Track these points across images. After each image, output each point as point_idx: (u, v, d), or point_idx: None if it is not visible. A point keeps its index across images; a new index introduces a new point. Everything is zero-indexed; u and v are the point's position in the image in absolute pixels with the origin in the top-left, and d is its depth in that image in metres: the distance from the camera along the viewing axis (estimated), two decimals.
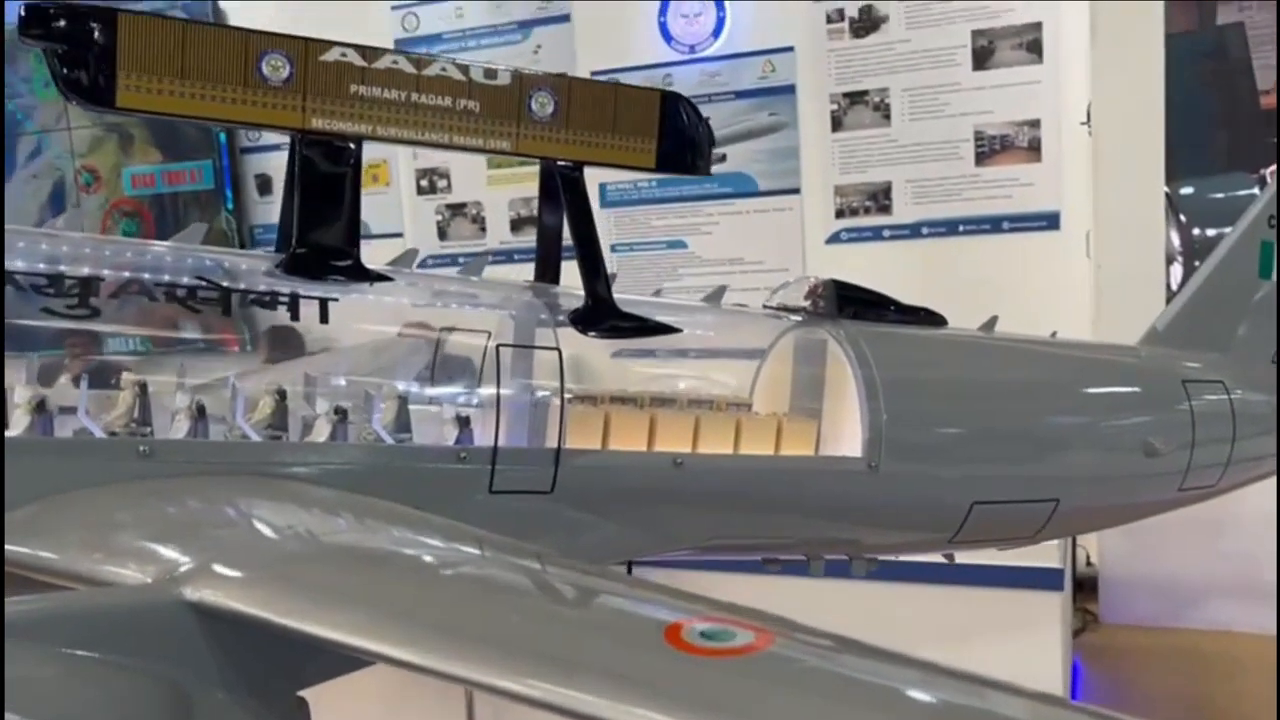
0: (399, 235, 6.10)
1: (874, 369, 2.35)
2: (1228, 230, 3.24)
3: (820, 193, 5.63)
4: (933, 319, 2.62)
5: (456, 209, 6.22)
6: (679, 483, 2.20)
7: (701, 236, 5.89)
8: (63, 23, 1.87)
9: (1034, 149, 5.30)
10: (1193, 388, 2.77)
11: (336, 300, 2.03)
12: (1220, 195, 4.83)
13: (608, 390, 2.38)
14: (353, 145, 2.06)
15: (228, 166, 6.37)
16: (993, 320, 2.77)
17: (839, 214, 5.63)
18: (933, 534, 2.50)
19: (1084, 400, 2.67)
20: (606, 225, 5.71)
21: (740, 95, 5.67)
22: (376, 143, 2.09)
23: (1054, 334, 2.98)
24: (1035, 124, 5.28)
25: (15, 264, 1.89)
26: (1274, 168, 4.69)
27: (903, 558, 2.84)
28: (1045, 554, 3.69)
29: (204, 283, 1.96)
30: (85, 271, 1.90)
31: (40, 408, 1.84)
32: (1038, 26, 5.22)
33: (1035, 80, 5.24)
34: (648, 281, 5.61)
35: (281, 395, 2.04)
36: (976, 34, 5.31)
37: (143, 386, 1.95)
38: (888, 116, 5.51)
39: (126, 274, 1.94)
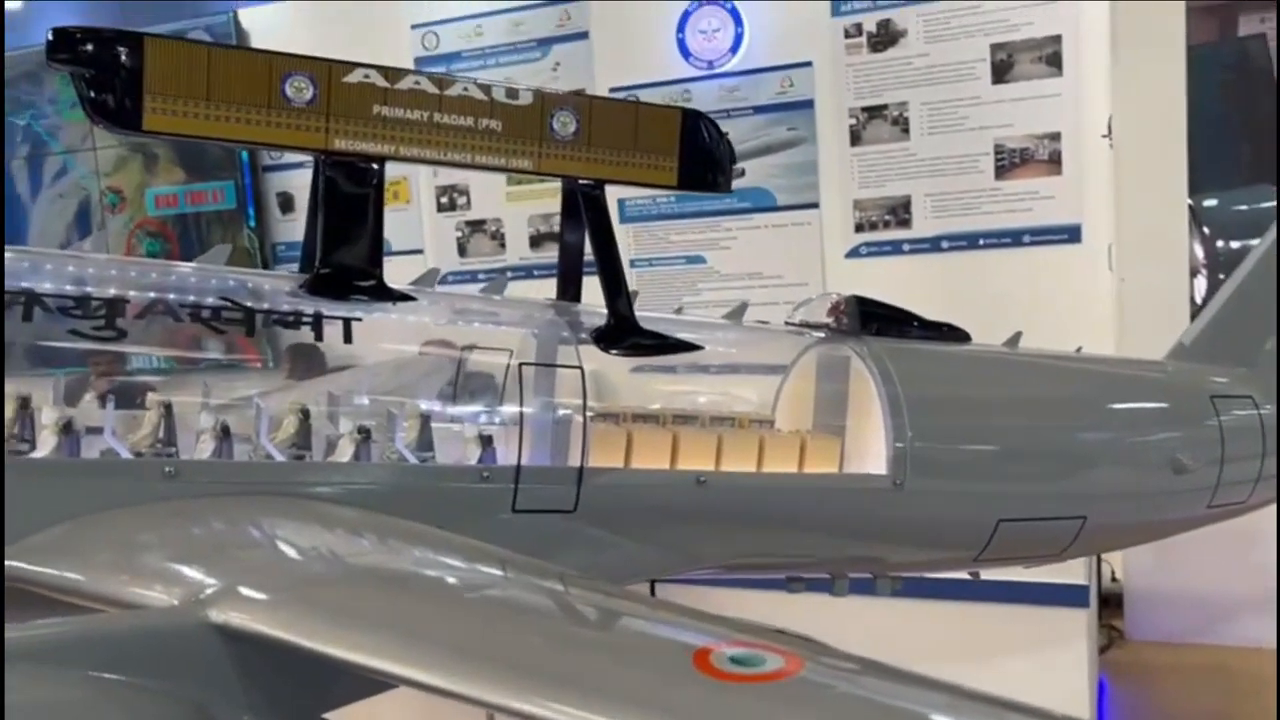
0: (419, 252, 6.13)
1: (898, 386, 2.34)
2: (1253, 242, 3.21)
3: (839, 207, 5.62)
4: (956, 335, 2.60)
5: (476, 226, 6.25)
6: (702, 501, 2.19)
7: (720, 251, 5.88)
8: (89, 47, 1.89)
9: (1054, 162, 5.27)
10: (1221, 403, 2.73)
11: (360, 320, 2.03)
12: (1244, 207, 4.79)
13: (629, 408, 2.37)
14: (375, 165, 2.07)
15: (250, 185, 6.42)
16: (1017, 336, 2.75)
17: (858, 228, 5.62)
18: (959, 552, 2.48)
19: (1111, 416, 2.65)
20: (625, 240, 5.72)
21: (759, 110, 5.67)
22: (399, 163, 2.10)
23: (1079, 349, 2.96)
24: (1055, 137, 5.25)
25: (43, 286, 1.91)
26: None
27: (927, 575, 2.81)
28: (1071, 570, 3.65)
29: (228, 303, 1.97)
30: (111, 293, 1.91)
31: (67, 428, 1.85)
32: (1057, 39, 5.20)
33: (1055, 93, 5.22)
34: (666, 296, 5.61)
35: (305, 415, 2.05)
36: (995, 47, 5.29)
37: (167, 407, 1.96)
38: (907, 130, 5.49)
39: (152, 295, 1.95)
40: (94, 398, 1.98)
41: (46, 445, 1.84)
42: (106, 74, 1.88)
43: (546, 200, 6.07)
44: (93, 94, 1.89)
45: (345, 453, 2.02)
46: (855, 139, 5.56)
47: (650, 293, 5.66)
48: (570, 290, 2.45)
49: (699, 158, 2.29)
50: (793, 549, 2.34)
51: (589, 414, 2.17)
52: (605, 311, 2.30)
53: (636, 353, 2.27)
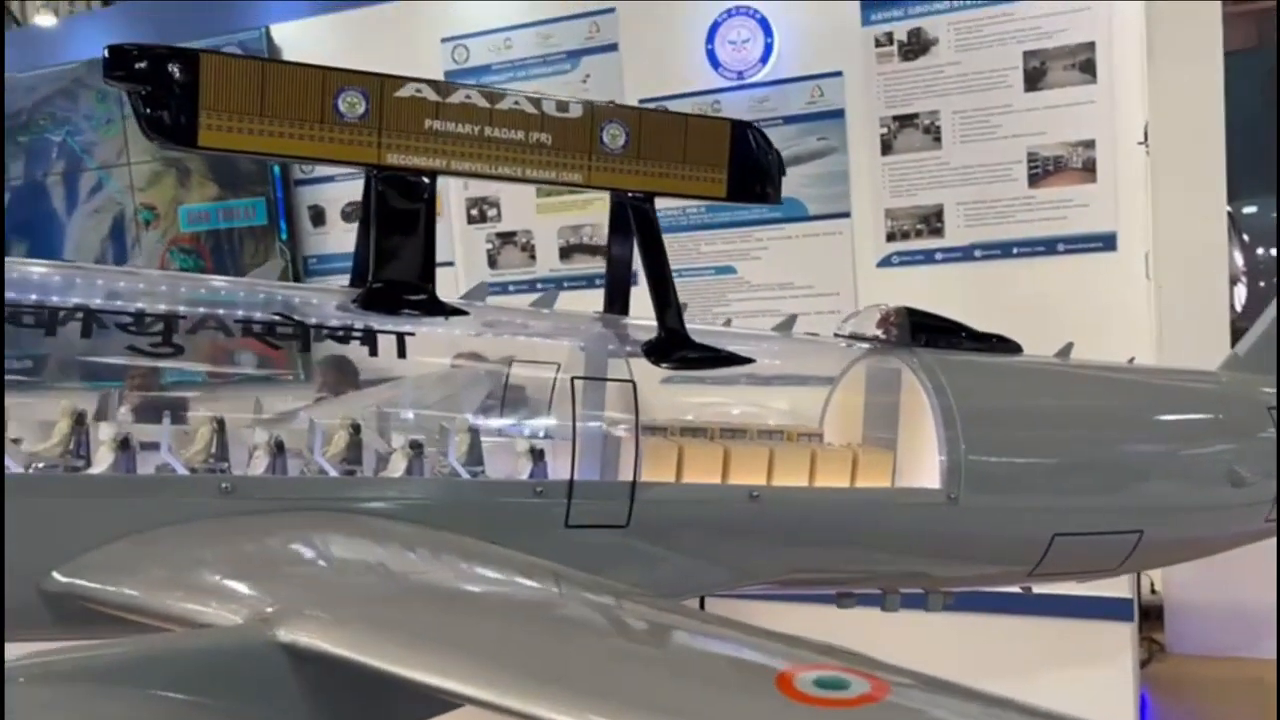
0: (450, 264, 6.14)
1: (950, 397, 2.31)
2: None
3: (871, 216, 5.59)
4: (1007, 346, 2.57)
5: (506, 237, 6.25)
6: (755, 516, 2.17)
7: (750, 262, 5.86)
8: (145, 64, 1.89)
9: (1089, 169, 5.22)
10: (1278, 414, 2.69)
11: (413, 335, 2.02)
12: None
13: (677, 421, 2.35)
14: (427, 180, 2.06)
15: (281, 198, 6.46)
16: (1068, 346, 2.72)
17: (890, 237, 5.58)
18: (1013, 567, 2.44)
19: (1166, 428, 2.61)
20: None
21: (789, 120, 5.65)
22: (450, 177, 2.09)
23: (1131, 359, 2.92)
24: (1090, 144, 5.20)
25: (94, 301, 1.91)
26: None
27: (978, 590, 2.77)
28: (1113, 583, 3.60)
29: (282, 318, 1.97)
30: (168, 309, 1.91)
31: (124, 444, 1.85)
32: (1090, 46, 5.15)
33: (1089, 100, 5.17)
34: (697, 307, 5.60)
35: (355, 430, 2.04)
36: (1028, 55, 5.26)
37: (220, 422, 1.95)
38: (938, 139, 5.46)
39: (207, 310, 1.95)
40: (149, 413, 1.98)
41: (103, 461, 1.83)
42: (162, 91, 1.88)
43: (576, 212, 6.08)
44: (148, 111, 1.89)
45: (398, 468, 2.01)
46: (886, 148, 5.53)
47: None
48: (618, 303, 2.43)
49: (748, 169, 2.27)
50: (845, 564, 2.31)
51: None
52: (653, 324, 2.29)
53: (687, 366, 2.25)
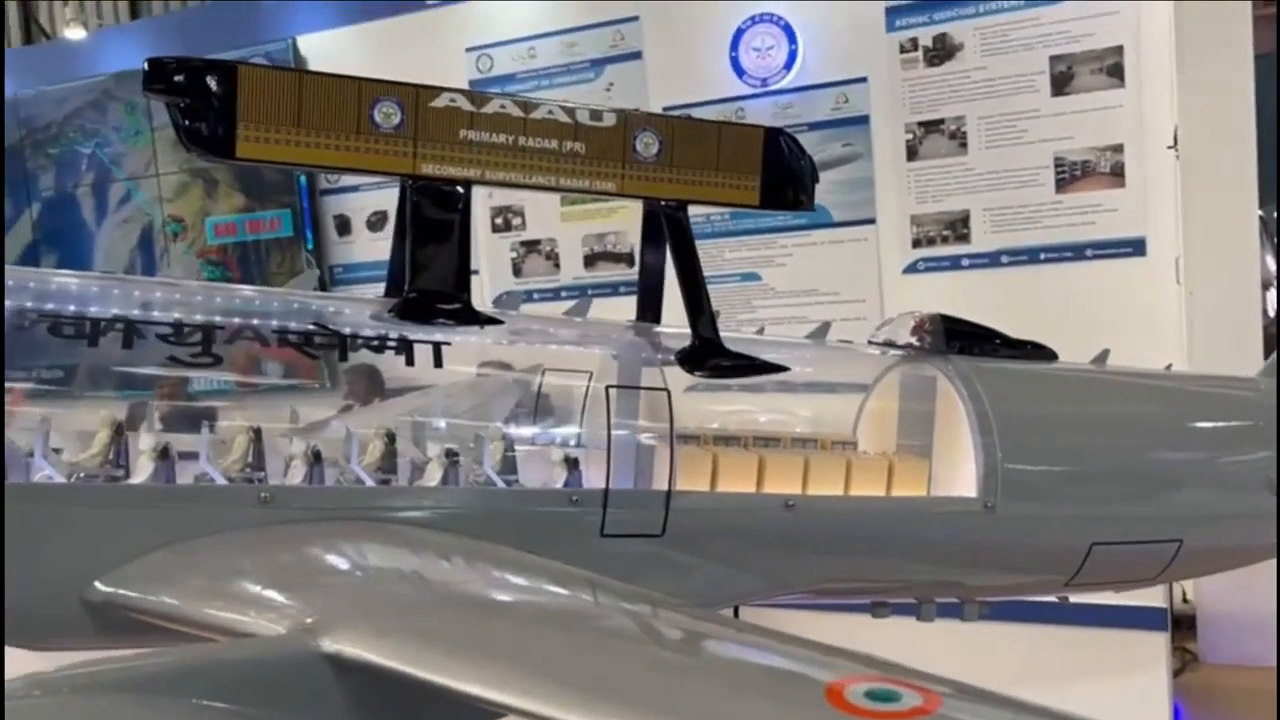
0: (475, 273, 6.12)
1: (986, 404, 2.29)
2: None
3: (896, 223, 5.56)
4: (1042, 353, 2.55)
5: (531, 246, 6.26)
6: (791, 525, 2.16)
7: (775, 269, 5.85)
8: (183, 76, 1.90)
9: (1117, 174, 5.18)
10: None
11: (449, 344, 2.03)
12: None
13: (710, 429, 2.35)
14: (462, 189, 2.06)
15: (307, 208, 6.50)
16: (1104, 353, 2.69)
17: (916, 243, 5.55)
18: (1050, 576, 2.42)
19: (1205, 436, 2.58)
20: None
21: (813, 127, 5.63)
22: (485, 187, 2.09)
23: (1169, 366, 2.89)
24: (1118, 149, 5.15)
25: (132, 313, 1.92)
26: None
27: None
28: (1147, 592, 3.56)
29: (319, 328, 1.97)
30: (206, 319, 1.92)
31: (164, 454, 1.86)
32: (1118, 50, 5.11)
33: (1117, 104, 5.13)
34: (720, 315, 5.57)
35: (391, 439, 2.05)
36: (1055, 59, 5.22)
37: (257, 431, 1.96)
38: (964, 145, 5.43)
39: (245, 321, 1.96)
40: (187, 422, 1.99)
41: (144, 471, 1.84)
42: (200, 102, 1.89)
43: (600, 220, 6.08)
44: (187, 122, 1.90)
45: (434, 476, 2.01)
46: (912, 154, 5.50)
47: None
48: (650, 311, 2.43)
49: (781, 176, 2.27)
50: (881, 573, 2.30)
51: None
52: (686, 332, 2.28)
53: (721, 374, 2.24)
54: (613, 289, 5.95)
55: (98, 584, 1.70)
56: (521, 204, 6.17)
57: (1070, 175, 5.26)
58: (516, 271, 6.28)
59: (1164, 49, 4.91)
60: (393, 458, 2.04)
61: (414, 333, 2.01)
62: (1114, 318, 5.05)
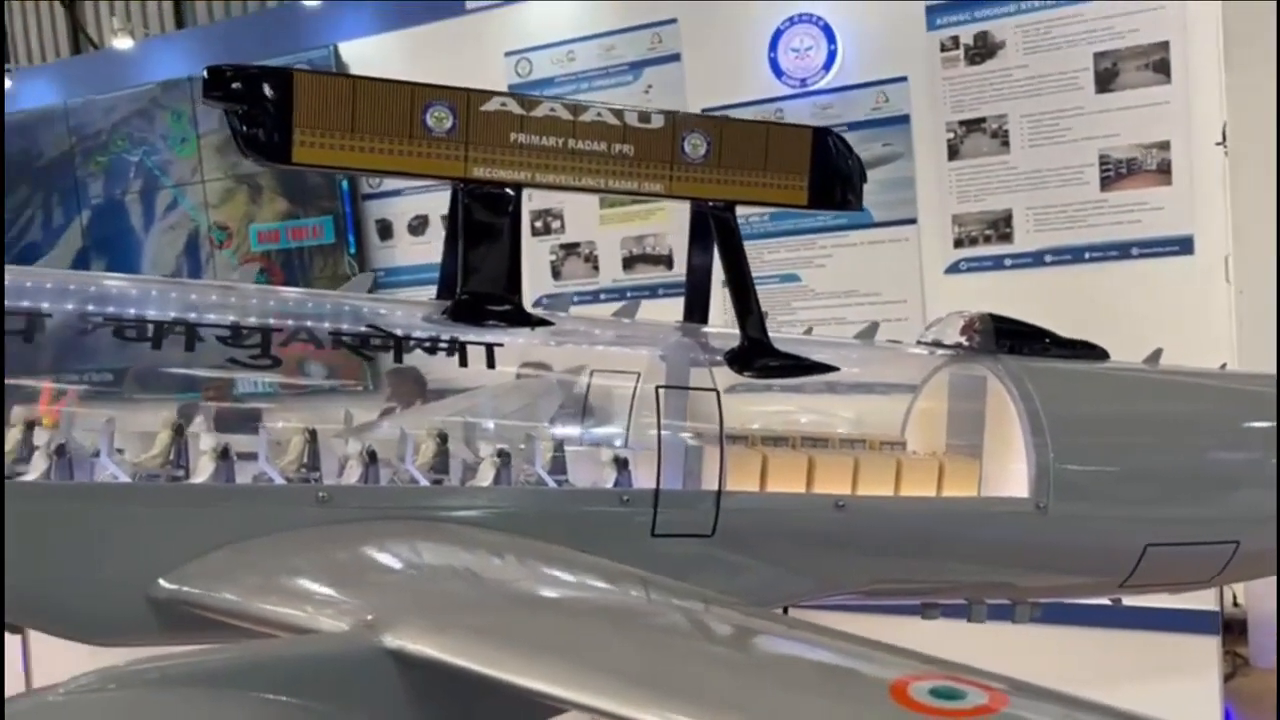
0: None
1: (1038, 404, 2.27)
2: None
3: (937, 222, 5.53)
4: (1094, 352, 2.53)
5: (570, 249, 6.29)
6: (841, 526, 2.15)
7: (815, 269, 5.83)
8: (241, 84, 1.93)
9: (1163, 171, 5.11)
10: None
11: (502, 346, 2.04)
12: None
13: (759, 430, 2.34)
14: (512, 192, 2.08)
15: (350, 213, 6.57)
16: (1157, 353, 2.66)
17: (958, 243, 5.52)
18: (1103, 578, 2.39)
19: (1262, 436, 2.53)
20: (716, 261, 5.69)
21: (853, 127, 5.60)
22: (535, 190, 2.11)
23: (1223, 366, 2.85)
24: (1165, 146, 5.09)
25: (189, 315, 1.96)
26: None
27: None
28: (1197, 595, 3.50)
29: (375, 330, 2.00)
30: (264, 322, 1.95)
31: (224, 454, 1.89)
32: (1164, 46, 5.05)
33: (1163, 101, 5.07)
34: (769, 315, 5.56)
35: (443, 439, 2.07)
36: (1099, 56, 5.17)
37: (312, 432, 1.99)
38: (1006, 143, 5.39)
39: (302, 323, 1.99)
40: (245, 424, 2.02)
41: (205, 471, 1.88)
42: (257, 109, 1.92)
43: (638, 222, 6.10)
44: (244, 129, 1.93)
45: (486, 476, 2.03)
46: (953, 153, 5.47)
47: None
48: (697, 312, 2.43)
49: (829, 176, 2.26)
50: (932, 574, 2.28)
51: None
52: (734, 332, 2.28)
53: (770, 374, 2.24)
54: (651, 291, 5.96)
55: (162, 581, 1.73)
56: (560, 207, 6.20)
57: (1115, 173, 5.20)
58: (556, 274, 6.32)
59: (1211, 44, 4.85)
60: (445, 458, 2.06)
61: (467, 334, 2.03)
62: (1160, 317, 4.98)
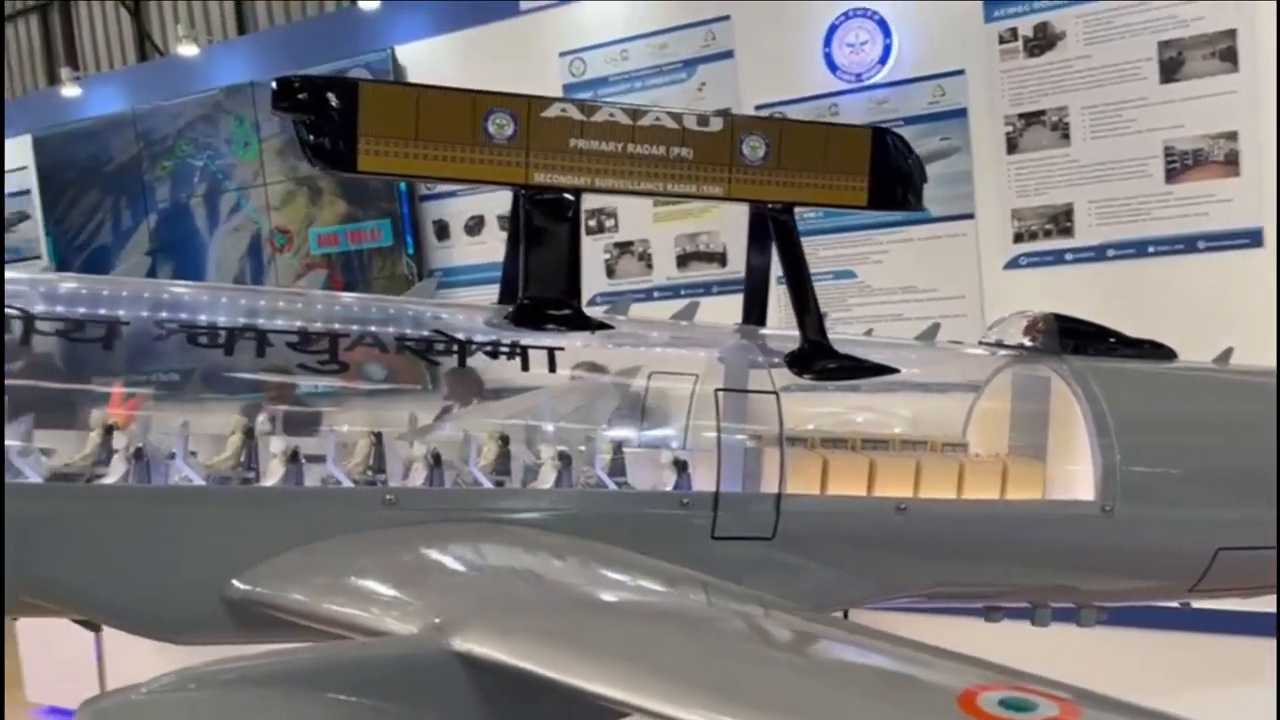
0: None
1: (1104, 405, 2.24)
2: None
3: (996, 217, 5.44)
4: (1161, 351, 2.48)
5: (624, 247, 6.31)
6: (902, 529, 2.14)
7: (871, 266, 5.77)
8: (308, 94, 1.97)
9: (1231, 163, 4.98)
10: None
11: (563, 349, 2.07)
12: None
13: (819, 432, 2.34)
14: (572, 197, 2.10)
15: (407, 214, 6.65)
16: (1228, 351, 2.61)
17: (1017, 238, 5.43)
18: (1172, 582, 2.35)
19: None
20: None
21: (909, 121, 5.55)
22: (595, 194, 2.13)
23: None
24: (1232, 136, 4.96)
25: (257, 321, 2.00)
26: None
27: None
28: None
29: (439, 335, 2.03)
30: (331, 328, 1.99)
31: (293, 457, 1.93)
32: (1231, 34, 4.92)
33: (1230, 90, 4.93)
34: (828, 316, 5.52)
35: (505, 441, 2.10)
36: (1163, 45, 5.05)
37: (378, 435, 2.03)
38: (1067, 136, 5.28)
39: (368, 329, 2.02)
40: (313, 427, 2.07)
41: (275, 474, 1.92)
42: (324, 119, 1.96)
43: (692, 220, 6.09)
44: (312, 138, 1.97)
45: (547, 479, 2.05)
46: (1012, 147, 5.38)
47: None
48: (756, 314, 2.43)
49: (889, 176, 2.25)
50: (995, 578, 2.26)
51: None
52: (792, 334, 2.28)
53: (830, 376, 2.24)
54: (705, 289, 5.96)
55: (235, 581, 1.78)
56: (614, 206, 6.22)
57: (1181, 165, 5.08)
58: (609, 273, 6.33)
59: None
60: (507, 460, 2.09)
61: (528, 338, 2.05)
62: (1228, 313, 4.86)
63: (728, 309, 2.45)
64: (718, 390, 2.12)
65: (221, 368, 1.98)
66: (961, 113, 5.48)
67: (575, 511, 2.00)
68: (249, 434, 1.98)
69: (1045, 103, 5.30)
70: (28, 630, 5.32)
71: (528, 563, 1.82)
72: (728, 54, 5.92)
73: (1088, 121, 5.24)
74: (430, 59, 6.49)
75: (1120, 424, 2.22)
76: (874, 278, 5.76)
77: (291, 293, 2.20)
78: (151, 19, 11.28)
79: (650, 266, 6.27)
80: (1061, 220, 5.34)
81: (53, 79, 10.98)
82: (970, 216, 5.51)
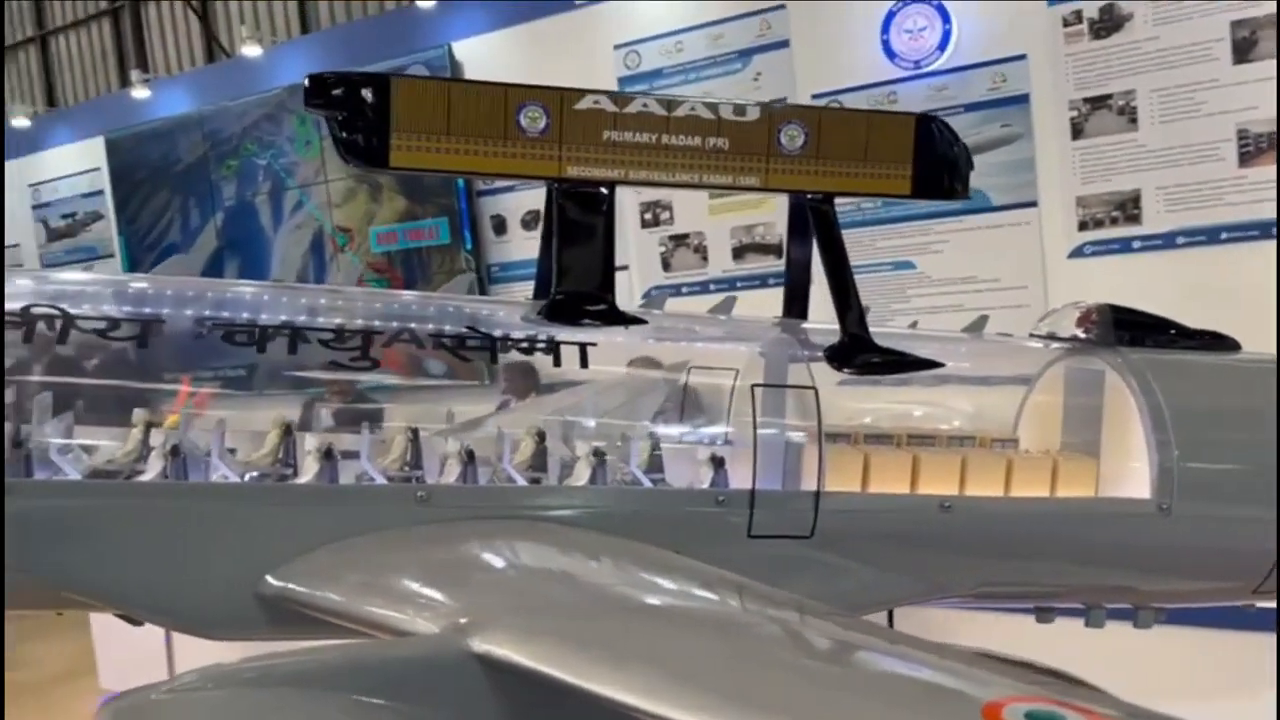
0: (624, 268, 6.20)
1: (1160, 399, 2.15)
2: None
3: (1060, 205, 5.29)
4: (1223, 343, 2.37)
5: (679, 240, 6.27)
6: (947, 527, 2.08)
7: (930, 256, 5.66)
8: (340, 90, 1.98)
9: None
10: None
11: (596, 345, 2.04)
12: None
13: (861, 427, 2.29)
14: (605, 190, 2.08)
15: (465, 209, 6.70)
16: None
17: (1082, 226, 5.27)
18: (1233, 583, 2.25)
19: None
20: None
21: (970, 108, 5.42)
22: (629, 187, 2.10)
23: None
24: None
25: (298, 319, 2.02)
26: None
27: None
28: None
29: (472, 331, 2.03)
30: (365, 324, 2.00)
31: (328, 455, 1.94)
32: None
33: None
34: (874, 305, 5.43)
35: (541, 437, 2.08)
36: (1236, 25, 4.85)
37: (414, 432, 2.02)
38: (1134, 120, 5.11)
39: (401, 325, 2.03)
40: (347, 423, 2.07)
41: (310, 471, 1.93)
42: (356, 115, 1.97)
43: (748, 212, 6.03)
44: (344, 134, 1.98)
45: (582, 476, 2.04)
46: (1077, 132, 5.22)
47: None
48: (796, 307, 2.38)
49: (934, 164, 2.19)
50: (1046, 578, 2.19)
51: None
52: (833, 328, 2.23)
53: (872, 370, 2.18)
54: (761, 281, 5.90)
55: (270, 578, 1.79)
56: (670, 199, 6.19)
57: (1255, 148, 4.88)
58: (665, 266, 6.31)
59: None
60: (542, 457, 2.07)
61: (561, 334, 2.04)
62: None
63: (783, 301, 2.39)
64: (754, 386, 2.08)
65: (256, 365, 2.00)
66: (1023, 98, 5.34)
67: (609, 509, 1.98)
68: (286, 431, 1.99)
69: (1112, 86, 5.13)
70: (100, 620, 5.48)
71: (559, 561, 1.81)
72: (783, 43, 5.85)
73: (1156, 105, 5.06)
74: (486, 55, 6.53)
75: (1178, 419, 2.13)
76: (934, 268, 5.65)
77: (328, 290, 2.21)
78: (218, 20, 11.53)
79: (706, 259, 6.23)
80: (1129, 207, 5.17)
81: (124, 81, 11.29)
82: (1033, 204, 5.37)
